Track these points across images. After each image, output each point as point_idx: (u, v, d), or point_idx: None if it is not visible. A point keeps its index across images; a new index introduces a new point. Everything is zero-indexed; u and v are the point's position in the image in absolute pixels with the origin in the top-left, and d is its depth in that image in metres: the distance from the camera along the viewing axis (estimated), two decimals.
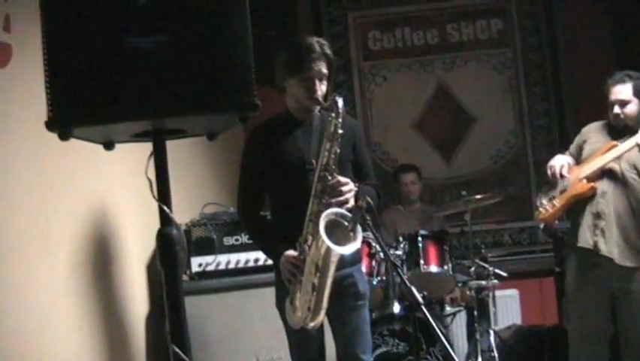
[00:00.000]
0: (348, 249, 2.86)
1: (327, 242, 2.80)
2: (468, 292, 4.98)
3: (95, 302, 3.18)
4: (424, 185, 5.84)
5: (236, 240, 3.92)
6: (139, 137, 2.16)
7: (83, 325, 3.03)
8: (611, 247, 3.75)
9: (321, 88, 3.14)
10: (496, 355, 4.82)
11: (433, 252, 4.80)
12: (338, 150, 2.98)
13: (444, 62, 6.47)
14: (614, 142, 3.84)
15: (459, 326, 5.44)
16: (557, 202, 3.91)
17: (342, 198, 2.97)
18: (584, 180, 3.84)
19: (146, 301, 3.74)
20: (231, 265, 3.90)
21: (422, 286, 4.75)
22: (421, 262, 4.70)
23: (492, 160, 6.43)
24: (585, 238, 3.81)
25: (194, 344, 3.57)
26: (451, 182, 6.41)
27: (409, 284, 2.46)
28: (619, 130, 3.89)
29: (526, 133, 6.43)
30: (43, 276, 2.72)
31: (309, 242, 2.98)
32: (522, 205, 6.34)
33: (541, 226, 4.35)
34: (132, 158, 2.64)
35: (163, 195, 2.12)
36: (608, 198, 3.79)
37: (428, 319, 2.37)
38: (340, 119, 2.96)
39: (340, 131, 2.96)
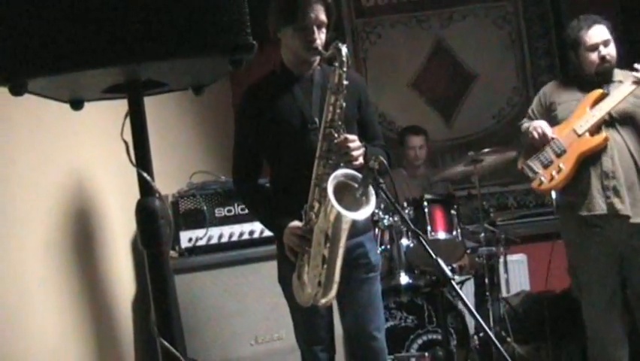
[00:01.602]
0: (362, 214, 2.55)
1: (337, 207, 2.48)
2: (477, 259, 4.68)
3: (76, 285, 2.84)
4: None
5: (229, 211, 3.57)
6: (112, 92, 1.81)
7: (63, 309, 2.69)
8: (626, 204, 3.52)
9: (320, 37, 2.80)
10: (508, 324, 4.54)
11: (440, 217, 4.48)
12: (344, 104, 2.65)
13: (441, 18, 6.13)
14: (599, 90, 3.60)
15: (467, 294, 5.14)
16: (564, 165, 3.58)
17: (350, 157, 2.64)
18: (587, 135, 3.54)
19: (132, 282, 3.40)
20: (224, 239, 3.56)
21: (428, 254, 4.45)
22: (428, 228, 4.37)
23: (494, 119, 6.14)
24: (596, 204, 3.53)
25: (185, 327, 3.28)
26: (451, 143, 6.12)
27: (435, 256, 2.14)
28: (588, 82, 3.67)
29: (529, 90, 6.11)
30: (13, 258, 2.37)
31: (316, 209, 2.67)
32: None
33: None
34: (108, 119, 2.29)
35: (142, 160, 1.77)
36: (612, 154, 3.54)
37: (459, 295, 2.05)
38: (345, 69, 2.62)
39: (346, 82, 2.62)
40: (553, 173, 3.61)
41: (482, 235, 4.60)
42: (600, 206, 3.52)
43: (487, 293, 4.48)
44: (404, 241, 4.36)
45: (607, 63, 3.61)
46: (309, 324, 2.93)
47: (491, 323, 4.47)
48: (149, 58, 1.57)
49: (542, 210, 6.02)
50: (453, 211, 4.49)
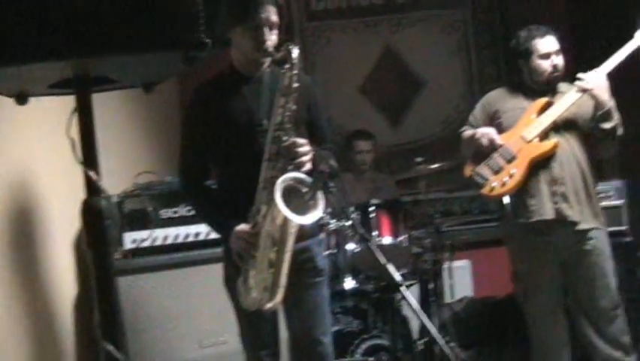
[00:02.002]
0: (309, 218, 2.53)
1: (285, 211, 2.45)
2: (422, 265, 4.69)
3: (15, 284, 2.76)
4: None
5: (175, 212, 3.52)
6: (58, 87, 1.76)
7: (1, 309, 2.60)
8: (574, 210, 3.57)
9: (271, 38, 2.77)
10: (452, 329, 4.57)
11: (386, 222, 4.48)
12: (294, 107, 2.62)
13: (390, 23, 6.15)
14: (545, 99, 3.66)
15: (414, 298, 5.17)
16: (516, 170, 3.61)
17: (299, 161, 2.62)
18: (536, 140, 3.59)
19: (73, 282, 3.31)
20: (169, 241, 3.50)
21: (375, 259, 4.45)
22: (375, 233, 4.37)
23: (441, 126, 6.17)
24: (545, 209, 3.57)
25: (129, 330, 3.21)
26: (398, 149, 6.13)
27: (385, 261, 2.13)
28: (532, 90, 3.72)
29: (476, 98, 6.11)
30: None
31: (263, 212, 2.63)
32: None
33: None
34: (55, 115, 2.23)
35: (89, 158, 1.73)
36: (560, 160, 3.60)
37: (408, 301, 2.04)
38: (296, 71, 2.60)
39: (296, 85, 2.60)
40: (505, 178, 3.62)
41: (428, 240, 4.62)
42: (549, 212, 3.56)
43: (432, 299, 4.49)
44: (350, 246, 4.34)
45: (557, 72, 3.66)
46: (254, 328, 2.90)
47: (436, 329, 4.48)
48: (100, 53, 1.53)
49: (486, 217, 6.09)
50: (400, 216, 4.51)
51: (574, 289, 3.73)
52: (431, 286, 4.55)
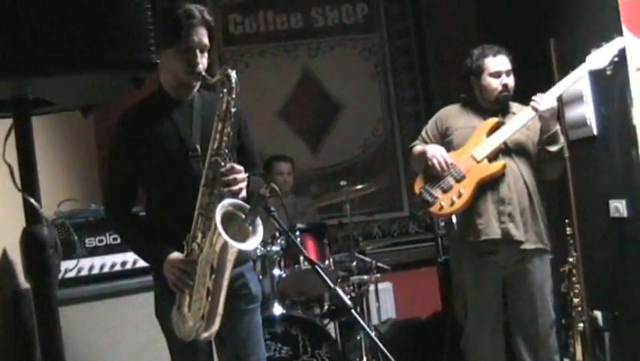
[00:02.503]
0: (250, 244, 2.48)
1: (225, 237, 2.39)
2: (347, 288, 4.69)
3: None
4: None
5: (100, 241, 3.40)
6: None
7: None
8: (520, 230, 3.64)
9: (202, 61, 2.72)
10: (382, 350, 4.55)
11: (312, 247, 4.47)
12: (231, 133, 2.58)
13: (309, 48, 6.17)
14: (495, 119, 3.71)
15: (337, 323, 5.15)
16: (464, 190, 3.65)
17: (237, 187, 2.57)
18: (485, 161, 3.64)
19: None
20: (95, 270, 3.38)
21: (302, 284, 4.43)
22: (301, 258, 4.34)
23: (360, 149, 6.21)
24: (492, 228, 3.62)
25: None
26: (318, 173, 6.13)
27: (334, 286, 2.10)
28: (484, 109, 3.79)
29: (394, 121, 6.25)
30: None
31: (199, 240, 2.56)
32: (392, 196, 6.17)
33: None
34: None
35: (29, 185, 1.65)
36: (509, 181, 3.65)
37: (359, 322, 2.02)
38: (234, 96, 2.56)
39: (233, 109, 2.56)
40: (454, 198, 3.66)
41: (354, 263, 4.62)
42: (495, 231, 3.61)
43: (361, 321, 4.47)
44: (276, 271, 4.30)
45: (507, 92, 3.72)
46: (188, 359, 2.80)
47: (363, 352, 4.47)
48: (43, 72, 1.45)
49: (406, 240, 6.17)
50: (325, 241, 4.49)
51: (514, 306, 3.78)
52: (357, 309, 4.55)
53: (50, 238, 1.62)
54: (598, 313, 4.45)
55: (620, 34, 3.87)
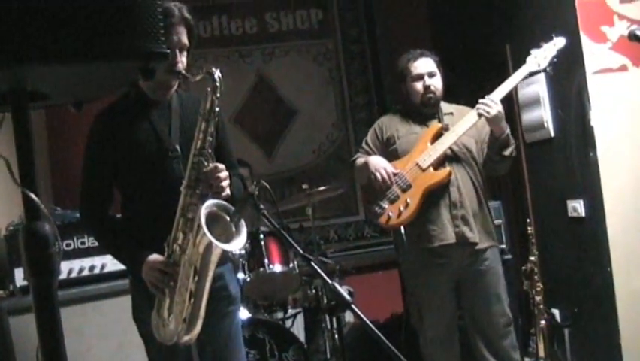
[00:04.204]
0: (235, 245, 2.45)
1: (210, 238, 2.37)
2: (309, 292, 4.69)
3: None
4: None
5: (68, 245, 3.35)
6: None
7: None
8: (475, 232, 3.66)
9: (182, 60, 2.70)
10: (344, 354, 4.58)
11: (276, 250, 4.45)
12: (214, 132, 2.55)
13: (263, 53, 6.16)
14: (439, 125, 3.71)
15: (299, 327, 5.15)
16: (411, 200, 3.64)
17: (220, 187, 2.54)
18: (431, 169, 3.65)
19: None
20: (63, 276, 3.31)
21: (267, 287, 4.41)
22: (265, 261, 4.33)
23: (315, 154, 6.22)
24: (447, 233, 3.63)
25: None
26: (273, 178, 6.08)
27: (332, 283, 2.10)
28: (421, 114, 3.80)
29: (348, 126, 6.29)
30: None
31: (180, 241, 2.52)
32: (347, 200, 6.19)
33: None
34: None
35: (28, 179, 1.60)
36: (458, 185, 3.66)
37: (362, 319, 2.02)
38: (218, 95, 2.54)
39: (217, 109, 2.54)
40: (401, 208, 3.63)
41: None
42: (450, 235, 3.62)
43: (324, 325, 4.48)
44: (240, 275, 4.28)
45: (430, 93, 3.72)
46: None
47: (328, 354, 4.47)
48: (46, 59, 1.39)
49: (363, 243, 6.20)
50: (287, 244, 4.47)
51: (469, 308, 3.80)
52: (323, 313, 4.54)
53: (53, 235, 1.58)
54: (556, 311, 4.55)
55: (578, 38, 3.98)
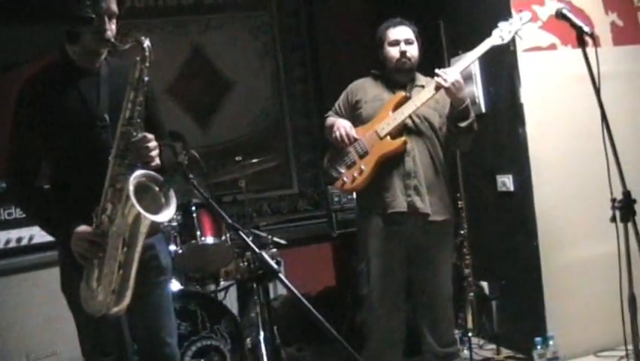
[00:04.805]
0: (164, 216, 2.43)
1: (138, 208, 2.35)
2: (242, 264, 4.68)
3: None
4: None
5: None
6: None
7: None
8: (426, 203, 3.67)
9: (111, 28, 2.65)
10: (275, 326, 4.59)
11: (208, 222, 4.43)
12: (144, 102, 2.52)
13: (199, 24, 6.07)
14: (402, 93, 3.74)
15: (232, 300, 5.16)
16: (365, 167, 3.67)
17: (149, 157, 2.52)
18: (388, 137, 3.67)
19: None
20: None
21: (200, 259, 4.40)
22: (198, 233, 4.31)
23: (249, 127, 6.19)
24: (398, 201, 3.65)
25: None
26: (207, 150, 6.04)
27: (259, 251, 2.11)
28: (394, 81, 3.81)
29: (283, 99, 6.28)
30: None
31: (109, 211, 2.49)
32: (281, 173, 6.20)
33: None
34: None
35: None
36: (414, 155, 3.68)
37: (290, 288, 2.03)
38: (147, 64, 2.51)
39: (147, 78, 2.51)
40: (355, 174, 3.68)
41: (250, 239, 4.60)
42: (402, 204, 3.65)
43: (257, 298, 4.48)
44: (172, 247, 4.25)
45: (405, 59, 3.73)
46: (97, 335, 2.72)
47: (260, 328, 4.48)
48: None
49: (296, 217, 6.22)
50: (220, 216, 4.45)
51: (417, 278, 3.81)
52: (253, 285, 4.54)
53: None
54: (485, 283, 4.66)
55: (510, 16, 4.04)
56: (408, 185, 3.66)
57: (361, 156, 3.70)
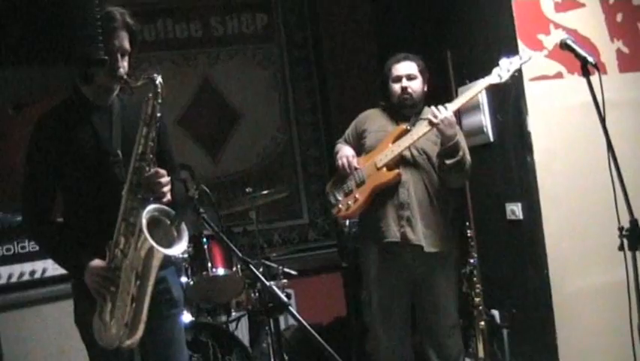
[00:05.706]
0: (176, 249, 2.46)
1: (151, 242, 2.38)
2: (252, 295, 4.70)
3: None
4: None
5: (8, 250, 3.30)
6: None
7: None
8: (419, 235, 3.71)
9: (124, 65, 2.70)
10: (286, 357, 4.61)
11: (219, 253, 4.46)
12: (156, 137, 2.57)
13: (208, 57, 6.17)
14: (404, 126, 3.80)
15: (243, 330, 5.17)
16: (359, 196, 3.76)
17: (161, 192, 2.55)
18: (384, 169, 3.74)
19: None
20: (3, 281, 3.28)
21: (211, 290, 4.42)
22: (209, 264, 4.34)
23: (259, 158, 6.24)
24: (391, 232, 3.72)
25: None
26: (218, 181, 6.11)
27: (268, 284, 2.13)
28: (399, 114, 3.90)
29: (292, 130, 6.34)
30: None
31: (122, 245, 2.53)
32: (291, 203, 6.23)
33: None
34: None
35: None
36: (408, 187, 3.74)
37: (299, 320, 2.05)
38: (160, 100, 2.56)
39: (159, 114, 2.56)
40: (350, 202, 3.78)
41: (260, 270, 4.64)
42: (395, 234, 3.70)
43: (267, 328, 4.49)
44: (183, 279, 4.28)
45: (407, 95, 3.84)
46: None
47: (272, 358, 4.49)
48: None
49: (306, 247, 6.24)
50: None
51: (420, 309, 3.89)
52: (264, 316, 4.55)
53: None
54: (495, 312, 4.65)
55: (515, 46, 4.09)
56: (401, 216, 3.72)
57: (358, 185, 3.80)
